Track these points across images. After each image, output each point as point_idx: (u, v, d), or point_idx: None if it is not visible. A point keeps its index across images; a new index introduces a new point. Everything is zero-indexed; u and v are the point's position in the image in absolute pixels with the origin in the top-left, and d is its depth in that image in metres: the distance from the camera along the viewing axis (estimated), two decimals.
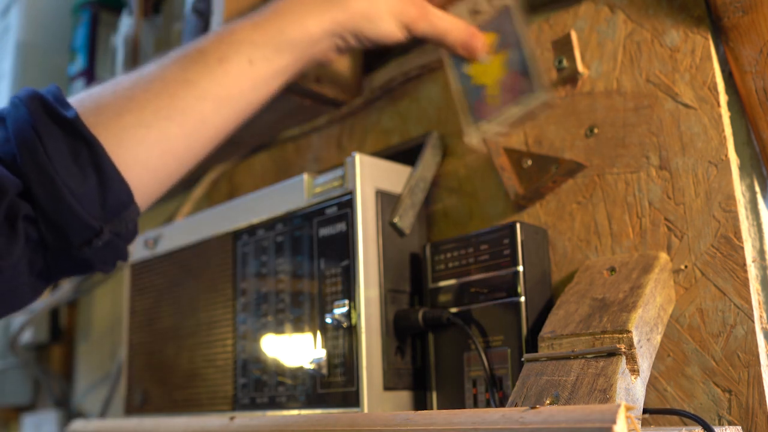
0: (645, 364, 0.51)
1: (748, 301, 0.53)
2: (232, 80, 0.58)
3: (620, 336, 0.50)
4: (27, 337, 1.36)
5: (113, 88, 0.57)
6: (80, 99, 0.56)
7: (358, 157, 0.66)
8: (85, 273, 0.58)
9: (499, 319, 0.59)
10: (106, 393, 1.18)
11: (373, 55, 0.82)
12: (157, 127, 0.56)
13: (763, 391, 0.51)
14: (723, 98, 0.57)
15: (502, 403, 0.57)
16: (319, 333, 0.66)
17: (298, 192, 0.70)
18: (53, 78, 1.25)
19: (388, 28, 0.62)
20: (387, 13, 0.62)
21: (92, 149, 0.52)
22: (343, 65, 0.82)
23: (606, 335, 0.51)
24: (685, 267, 0.56)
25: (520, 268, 0.59)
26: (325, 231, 0.67)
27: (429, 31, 0.64)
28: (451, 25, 0.64)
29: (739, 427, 0.51)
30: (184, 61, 0.58)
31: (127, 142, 0.54)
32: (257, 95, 0.61)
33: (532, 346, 0.56)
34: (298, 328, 0.68)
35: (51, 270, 0.55)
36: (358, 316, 0.62)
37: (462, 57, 0.67)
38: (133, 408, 0.89)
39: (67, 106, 0.54)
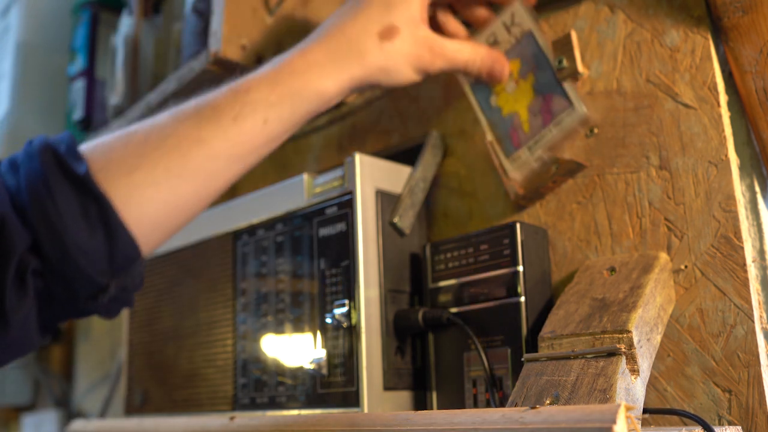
0: (645, 364, 0.51)
1: (748, 301, 0.53)
2: (245, 139, 0.58)
3: (620, 336, 0.50)
4: None
5: (126, 140, 0.56)
6: (93, 149, 0.56)
7: (358, 157, 0.66)
8: (89, 316, 0.59)
9: (499, 319, 0.59)
10: (106, 393, 1.18)
11: None
12: (168, 186, 0.56)
13: (763, 391, 0.51)
14: (723, 98, 0.57)
15: (502, 403, 0.57)
16: (319, 333, 0.66)
17: (298, 192, 0.70)
18: (53, 78, 1.25)
19: (405, 77, 0.62)
20: (404, 64, 0.61)
21: (101, 206, 0.52)
22: None
23: (606, 335, 0.51)
24: (685, 267, 0.56)
25: (520, 268, 0.59)
26: (325, 231, 0.67)
27: (447, 66, 0.63)
28: (470, 55, 0.63)
29: (739, 427, 0.51)
30: (198, 117, 0.57)
31: (137, 200, 0.54)
32: (269, 149, 0.60)
33: (532, 346, 0.56)
34: (298, 328, 0.68)
35: (58, 317, 0.56)
36: (358, 316, 0.62)
37: (487, 87, 0.66)
38: (133, 408, 0.89)
39: (79, 159, 0.54)
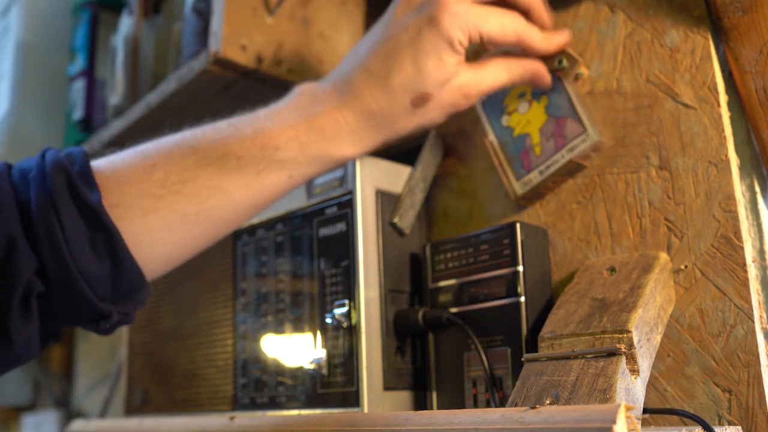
0: (645, 364, 0.51)
1: (748, 301, 0.53)
2: (268, 192, 0.58)
3: (620, 336, 0.50)
4: None
5: (144, 174, 0.54)
6: (108, 176, 0.54)
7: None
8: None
9: (499, 319, 0.59)
10: (106, 393, 1.18)
11: None
12: (183, 230, 0.55)
13: (763, 391, 0.51)
14: (723, 98, 0.57)
15: (502, 403, 0.57)
16: (319, 333, 0.66)
17: (298, 192, 0.70)
18: (53, 78, 1.25)
19: (437, 123, 0.61)
20: (437, 117, 0.60)
21: (112, 239, 0.52)
22: None
23: (606, 335, 0.51)
24: (685, 267, 0.56)
25: (520, 268, 0.59)
26: (325, 231, 0.67)
27: (484, 95, 0.62)
28: (508, 78, 0.61)
29: (739, 427, 0.51)
30: (220, 165, 0.56)
31: (150, 240, 0.54)
32: (286, 194, 0.61)
33: (532, 346, 0.56)
34: (298, 328, 0.68)
35: (59, 329, 0.56)
36: (358, 316, 0.62)
37: (499, 105, 0.66)
38: (133, 408, 0.89)
39: (92, 185, 0.52)
